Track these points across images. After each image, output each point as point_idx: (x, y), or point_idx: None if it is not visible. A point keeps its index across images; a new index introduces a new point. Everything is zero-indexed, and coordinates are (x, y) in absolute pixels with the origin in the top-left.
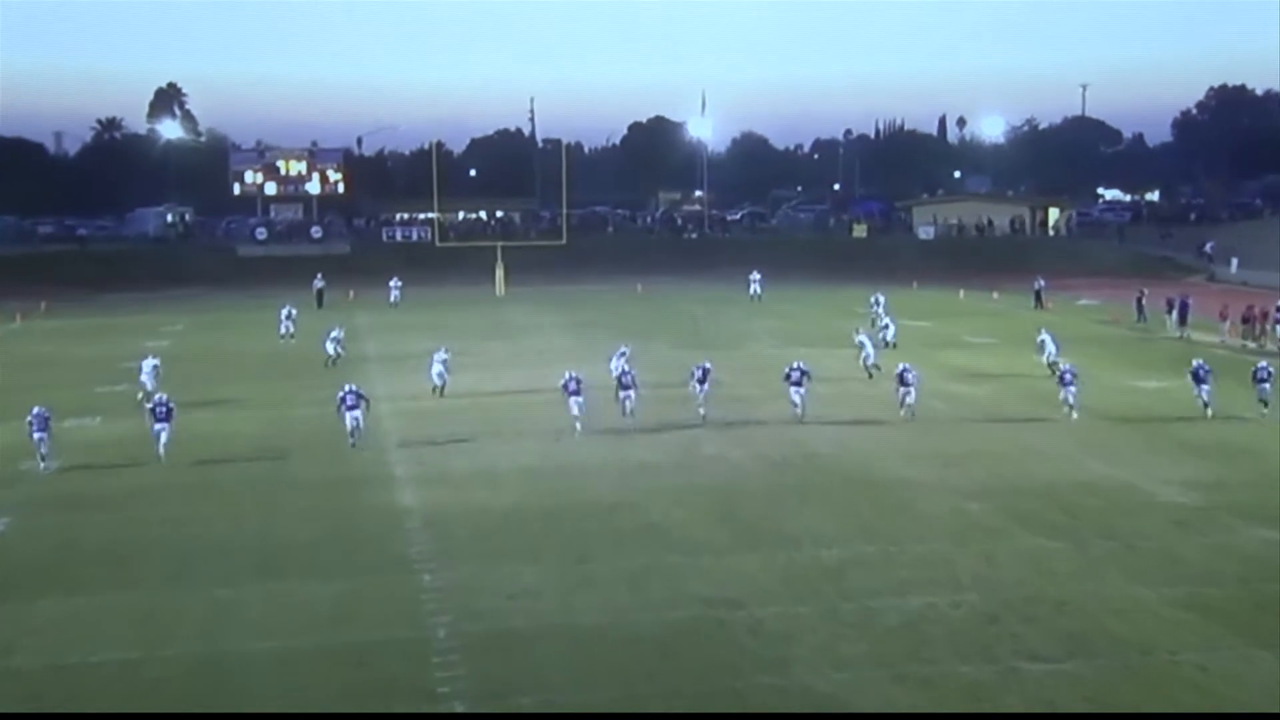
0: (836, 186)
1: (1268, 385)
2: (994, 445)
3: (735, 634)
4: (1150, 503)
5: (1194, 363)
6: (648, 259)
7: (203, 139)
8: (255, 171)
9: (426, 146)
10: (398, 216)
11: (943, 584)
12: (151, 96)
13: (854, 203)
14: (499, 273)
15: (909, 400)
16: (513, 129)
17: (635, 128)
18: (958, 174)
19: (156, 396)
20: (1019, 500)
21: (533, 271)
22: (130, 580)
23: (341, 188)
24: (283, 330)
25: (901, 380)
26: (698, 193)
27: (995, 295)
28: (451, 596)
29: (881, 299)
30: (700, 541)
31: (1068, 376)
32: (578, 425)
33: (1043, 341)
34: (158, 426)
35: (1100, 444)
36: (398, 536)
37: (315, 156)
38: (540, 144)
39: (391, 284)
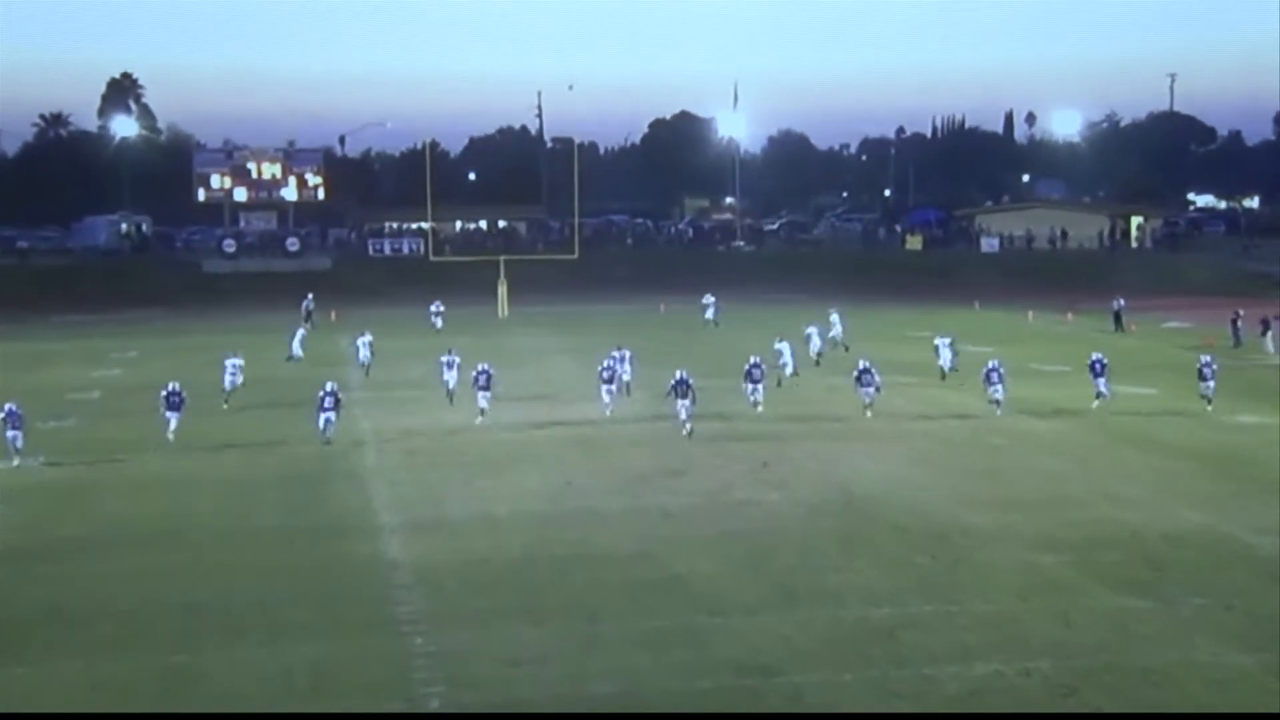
0: (887, 193)
1: None
2: (1068, 489)
3: (771, 705)
4: (1248, 555)
5: None
6: (672, 275)
7: (162, 137)
8: (222, 175)
9: (419, 146)
10: (386, 227)
11: (1010, 649)
12: (103, 89)
13: (908, 211)
14: (501, 291)
15: (867, 400)
16: (517, 127)
17: (657, 125)
18: (1027, 178)
19: (170, 385)
20: (1097, 552)
21: (540, 289)
22: (75, 646)
23: (321, 194)
24: (295, 352)
25: (859, 380)
26: (729, 200)
27: (1069, 317)
28: (445, 662)
29: (835, 316)
30: (730, 598)
31: (994, 375)
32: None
33: (938, 347)
34: (168, 414)
35: (1190, 488)
36: (384, 593)
37: (291, 158)
38: (549, 144)
39: (432, 309)
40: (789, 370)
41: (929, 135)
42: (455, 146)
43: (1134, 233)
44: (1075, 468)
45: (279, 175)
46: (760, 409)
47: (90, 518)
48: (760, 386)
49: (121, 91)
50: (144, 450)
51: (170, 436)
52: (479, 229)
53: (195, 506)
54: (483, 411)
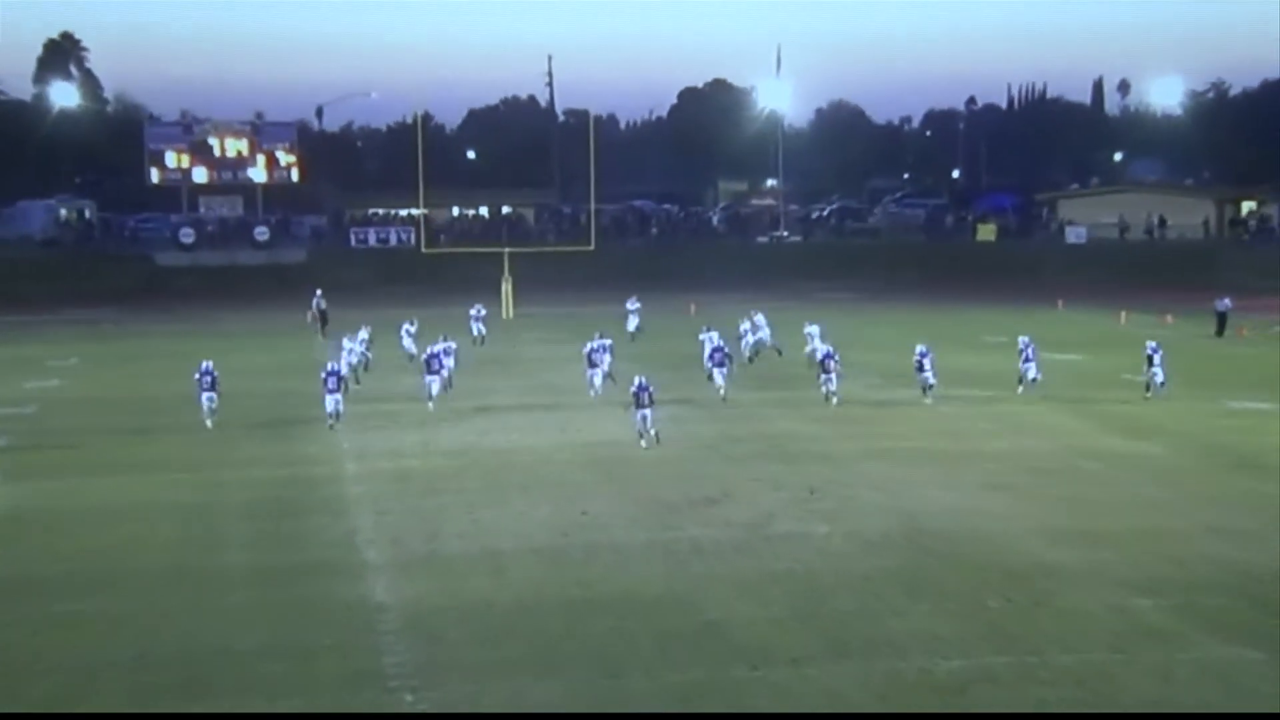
0: (955, 174)
1: None
2: (1168, 521)
3: None
4: None
5: None
6: (703, 270)
7: (108, 108)
8: (179, 152)
9: (409, 120)
10: (371, 213)
11: (1100, 707)
12: (39, 51)
13: (979, 196)
14: (506, 288)
15: (830, 388)
16: (524, 97)
17: (687, 96)
18: (1119, 157)
19: (203, 365)
20: (1202, 595)
21: (551, 286)
22: (6, 706)
23: (295, 175)
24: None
25: (824, 368)
26: (771, 182)
27: (1168, 319)
28: None
29: (761, 317)
30: (773, 648)
31: (830, 364)
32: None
33: (810, 334)
34: (205, 395)
35: None
36: (369, 641)
37: (260, 133)
38: (561, 117)
39: (473, 312)
40: (817, 354)
41: (1004, 107)
42: (452, 120)
43: (1245, 221)
44: (1177, 496)
45: (245, 153)
46: (724, 394)
47: (24, 555)
48: (724, 372)
49: (61, 54)
50: (90, 473)
51: (208, 422)
52: (479, 216)
53: (150, 540)
54: (432, 397)
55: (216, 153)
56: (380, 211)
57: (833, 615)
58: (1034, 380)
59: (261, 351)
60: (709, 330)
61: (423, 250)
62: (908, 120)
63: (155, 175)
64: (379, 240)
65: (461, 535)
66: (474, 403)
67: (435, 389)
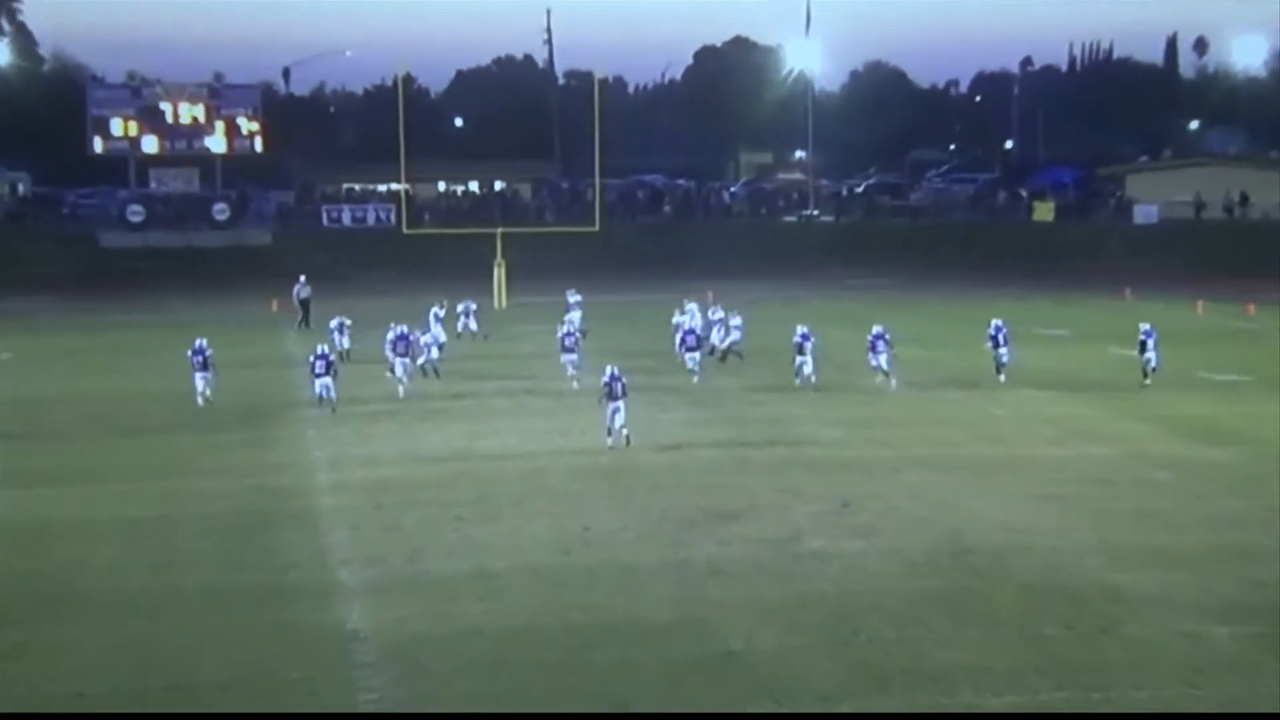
0: (1009, 145)
1: None
2: (1245, 538)
3: None
4: None
5: None
6: (722, 254)
7: (44, 68)
8: (126, 119)
9: (389, 83)
10: (346, 189)
11: None
12: None
13: (1036, 170)
14: (498, 274)
15: (806, 370)
16: (519, 57)
17: (705, 55)
18: (1195, 125)
19: (197, 342)
20: None
21: (550, 272)
22: None
23: (259, 144)
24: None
25: (799, 349)
26: (798, 154)
27: (1251, 309)
28: None
29: (693, 307)
30: (801, 681)
31: (807, 346)
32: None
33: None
34: (198, 375)
35: None
36: (343, 675)
37: (219, 96)
38: (561, 80)
39: (460, 308)
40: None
41: (1064, 69)
42: (437, 83)
43: None
44: (1256, 510)
45: (201, 120)
46: (697, 379)
47: None
48: (694, 357)
49: None
50: (26, 484)
51: (200, 400)
52: (469, 193)
53: (95, 561)
54: (402, 382)
55: (169, 119)
56: (356, 187)
57: (868, 644)
58: (1155, 370)
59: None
60: (688, 306)
61: (404, 231)
62: (954, 84)
63: (99, 145)
64: (355, 219)
65: (448, 553)
66: (462, 404)
67: (403, 370)
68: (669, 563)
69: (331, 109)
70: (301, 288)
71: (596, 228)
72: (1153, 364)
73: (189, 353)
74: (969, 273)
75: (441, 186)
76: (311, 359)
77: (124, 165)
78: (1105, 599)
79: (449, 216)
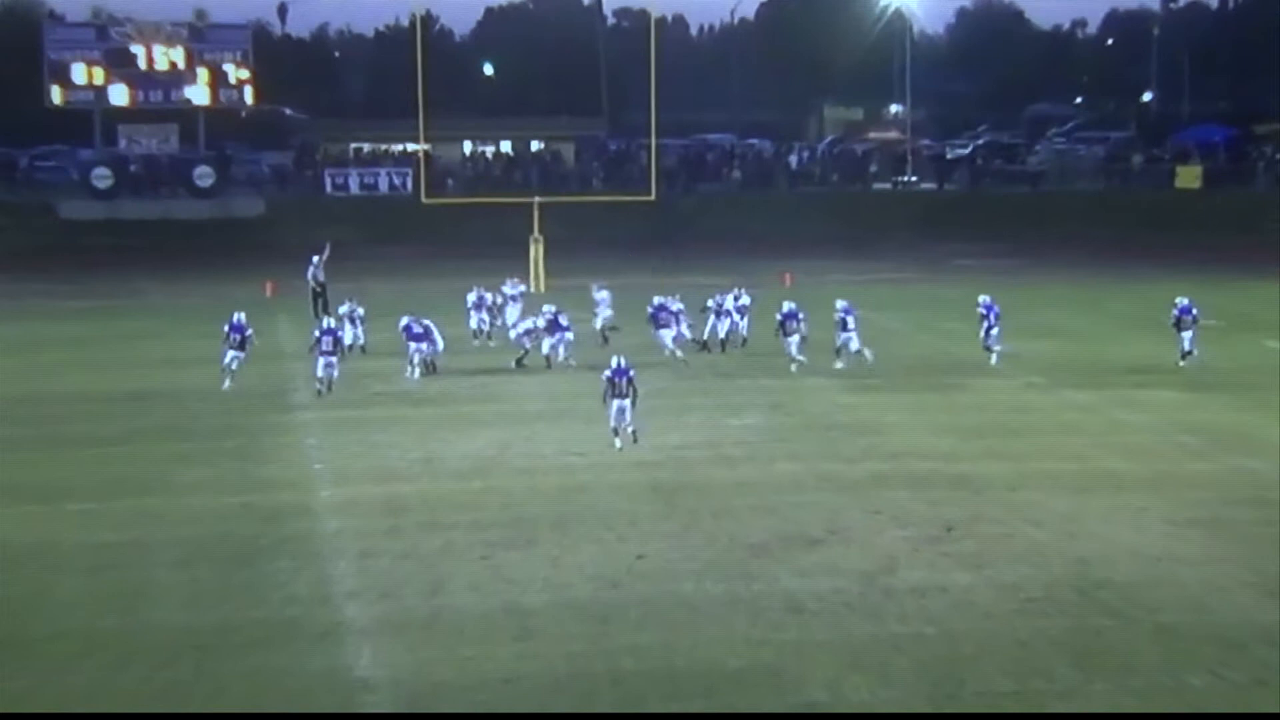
0: (1147, 97)
1: None
2: None
3: None
4: None
5: None
6: (802, 228)
7: None
8: (90, 65)
9: (404, 23)
10: (352, 150)
11: None
12: None
13: (1179, 127)
14: (535, 252)
15: (853, 346)
16: None
17: None
18: None
19: (235, 318)
20: None
21: (596, 249)
22: None
23: (249, 96)
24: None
25: (783, 329)
26: (894, 109)
27: None
28: None
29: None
30: None
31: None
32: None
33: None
34: (231, 354)
35: None
36: None
37: (202, 38)
38: (610, 19)
39: (508, 288)
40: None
41: (1215, 5)
42: (463, 23)
43: None
44: None
45: (181, 66)
46: (679, 354)
47: None
48: (666, 334)
49: None
50: None
51: (227, 381)
52: (501, 155)
53: (50, 594)
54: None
55: (142, 65)
56: (366, 147)
57: (977, 698)
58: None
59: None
60: (598, 294)
61: (423, 200)
62: (1081, 24)
63: (57, 95)
64: (364, 186)
65: (475, 586)
66: (490, 407)
67: (418, 359)
68: (738, 598)
69: (336, 54)
70: (316, 268)
71: (652, 197)
72: (1185, 345)
73: (225, 327)
74: (1098, 251)
75: (468, 147)
76: (318, 334)
77: (88, 121)
78: (1260, 642)
79: (477, 183)
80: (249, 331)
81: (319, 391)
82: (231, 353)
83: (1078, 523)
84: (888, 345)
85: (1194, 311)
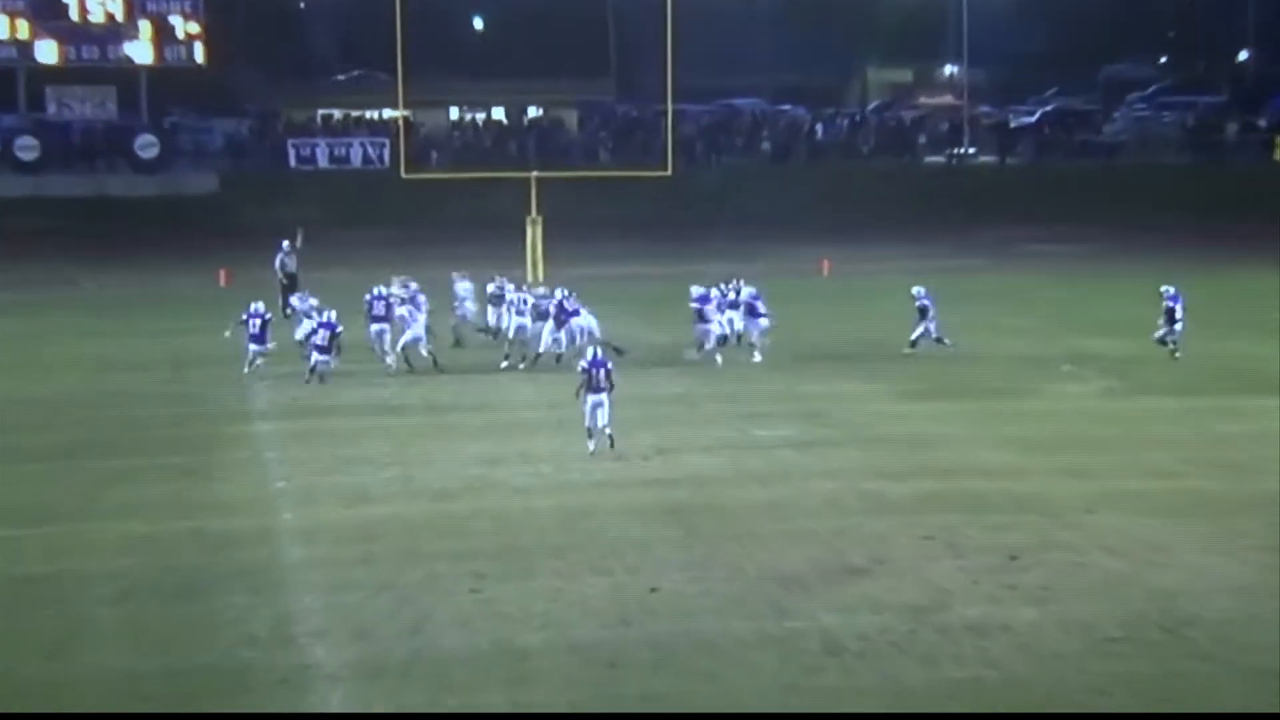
0: (1243, 56)
1: None
2: None
3: None
4: None
5: None
6: (842, 208)
7: None
8: (12, 16)
9: None
10: (320, 117)
11: None
12: None
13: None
14: (533, 235)
15: (708, 346)
16: None
17: None
18: None
19: (253, 306)
20: None
21: (603, 232)
22: None
23: (200, 54)
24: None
25: (752, 312)
26: (949, 70)
27: None
28: None
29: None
30: None
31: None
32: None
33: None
34: (253, 346)
35: None
36: None
37: None
38: None
39: (458, 290)
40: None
41: None
42: None
43: None
44: None
45: (120, 18)
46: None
47: None
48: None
49: None
50: None
51: (246, 368)
52: (493, 122)
53: None
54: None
55: (74, 16)
56: (336, 114)
57: None
58: None
59: (147, 335)
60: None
61: (403, 175)
62: None
63: None
64: (334, 159)
65: (463, 623)
66: (482, 416)
67: (388, 341)
68: (768, 637)
69: (302, 4)
70: (287, 256)
71: (668, 171)
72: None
73: (244, 316)
74: (1185, 234)
75: (454, 114)
76: (315, 326)
77: (10, 81)
78: None
79: (465, 156)
80: (270, 318)
81: (306, 380)
82: (253, 345)
83: (1163, 551)
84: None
85: (1177, 302)
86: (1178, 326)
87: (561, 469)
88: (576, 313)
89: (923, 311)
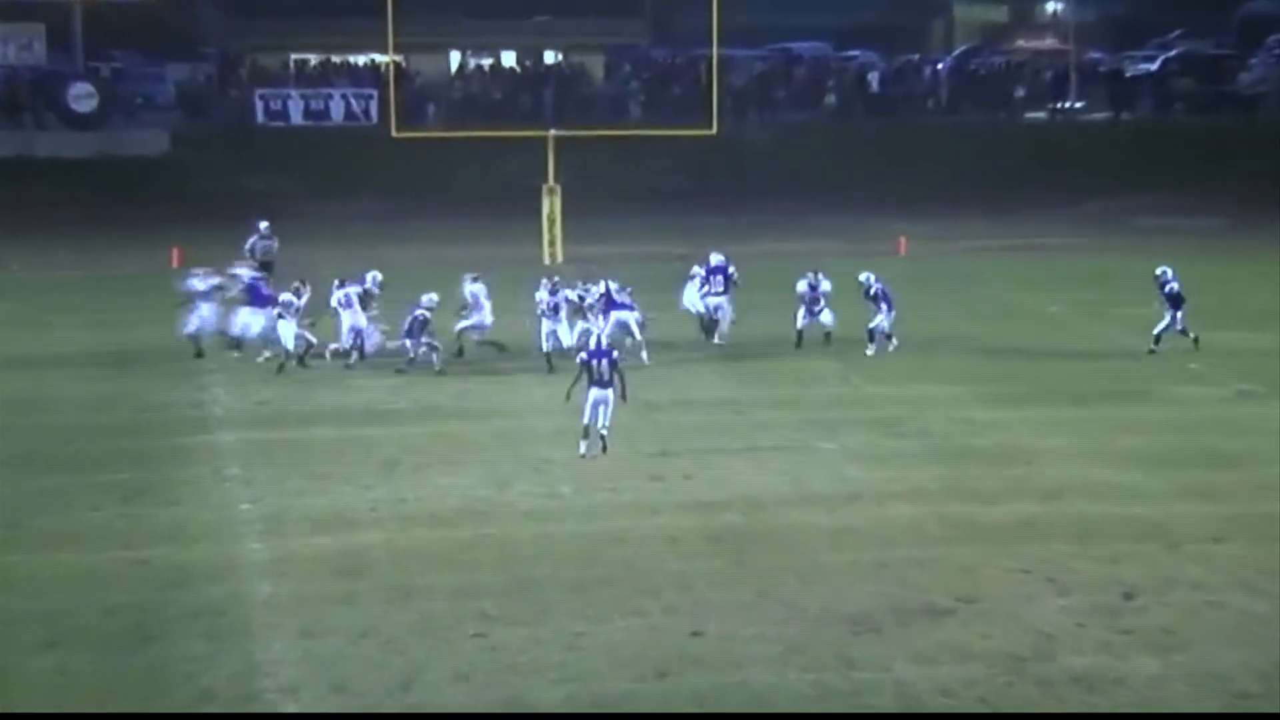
0: None
1: None
2: None
3: None
4: None
5: None
6: (922, 175)
7: None
8: None
9: None
10: (294, 62)
11: None
12: None
13: None
14: (550, 206)
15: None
16: None
17: None
18: None
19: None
20: None
21: (633, 203)
22: None
23: None
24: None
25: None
26: (1052, 7)
27: None
28: None
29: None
30: None
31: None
32: None
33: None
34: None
35: None
36: None
37: None
38: None
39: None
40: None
41: None
42: None
43: None
44: None
45: None
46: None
47: None
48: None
49: None
50: None
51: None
52: (501, 69)
53: None
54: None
55: None
56: (312, 59)
57: None
58: None
59: (83, 326)
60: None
61: (394, 134)
62: None
63: None
64: (310, 114)
65: (463, 675)
66: (488, 425)
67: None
68: (831, 691)
69: None
70: (261, 239)
71: (713, 130)
72: (1165, 323)
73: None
74: None
75: (455, 59)
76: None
77: None
78: None
79: (468, 110)
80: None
81: (280, 365)
82: (292, 331)
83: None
84: (1040, 338)
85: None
86: (1180, 313)
87: (584, 489)
88: (629, 307)
89: (878, 300)
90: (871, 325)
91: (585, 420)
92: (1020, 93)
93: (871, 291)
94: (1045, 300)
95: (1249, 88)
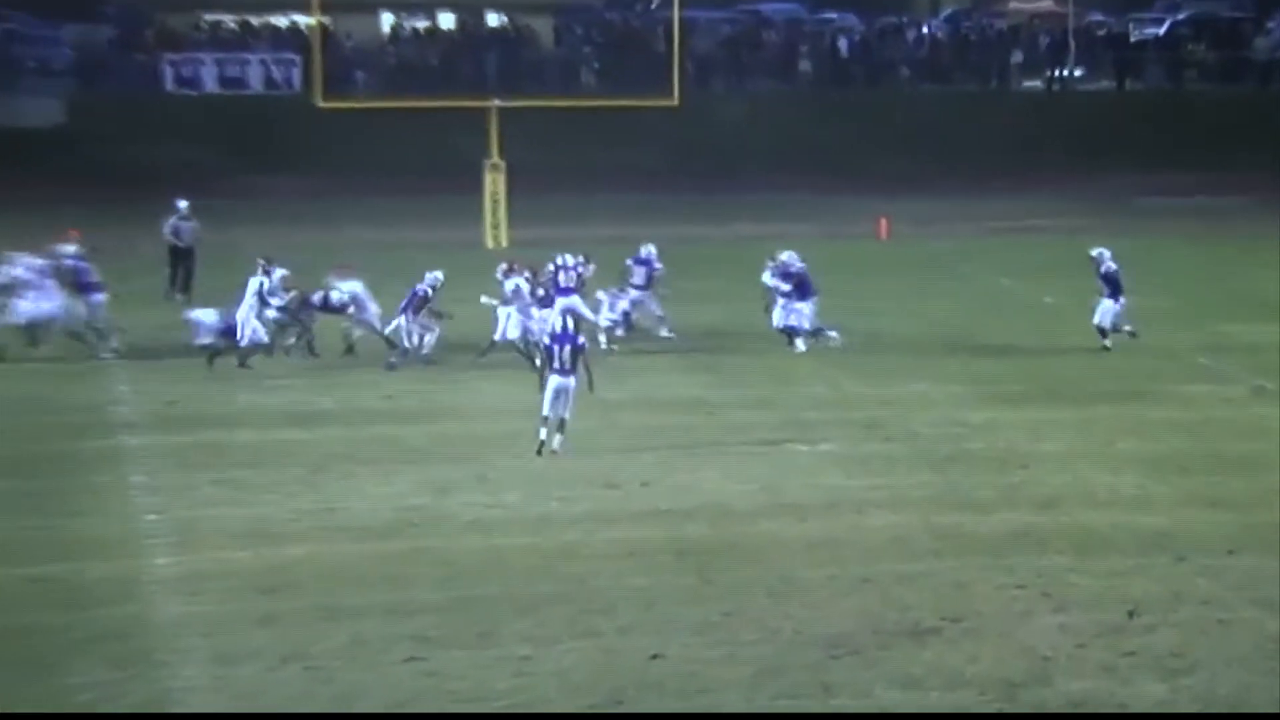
0: None
1: None
2: None
3: None
4: None
5: None
6: (907, 150)
7: None
8: None
9: None
10: (206, 22)
11: None
12: None
13: None
14: (492, 184)
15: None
16: None
17: None
18: None
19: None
20: None
21: (585, 181)
22: None
23: None
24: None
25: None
26: None
27: None
28: None
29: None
30: None
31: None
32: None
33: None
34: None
35: None
36: None
37: None
38: None
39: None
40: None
41: None
42: None
43: None
44: None
45: None
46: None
47: None
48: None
49: None
50: None
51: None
52: (438, 31)
53: None
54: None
55: None
56: (228, 19)
57: None
58: None
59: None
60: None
61: (319, 103)
62: None
63: None
64: (225, 81)
65: (399, 704)
66: (426, 428)
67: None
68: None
69: None
70: (180, 222)
71: (675, 100)
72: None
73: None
74: None
75: (387, 21)
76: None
77: None
78: None
79: (402, 77)
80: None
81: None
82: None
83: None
84: (1036, 331)
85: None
86: (1122, 300)
87: (533, 497)
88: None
89: (799, 286)
90: (781, 321)
91: (544, 411)
92: (1015, 60)
93: (793, 269)
94: (1041, 289)
95: (1267, 53)
